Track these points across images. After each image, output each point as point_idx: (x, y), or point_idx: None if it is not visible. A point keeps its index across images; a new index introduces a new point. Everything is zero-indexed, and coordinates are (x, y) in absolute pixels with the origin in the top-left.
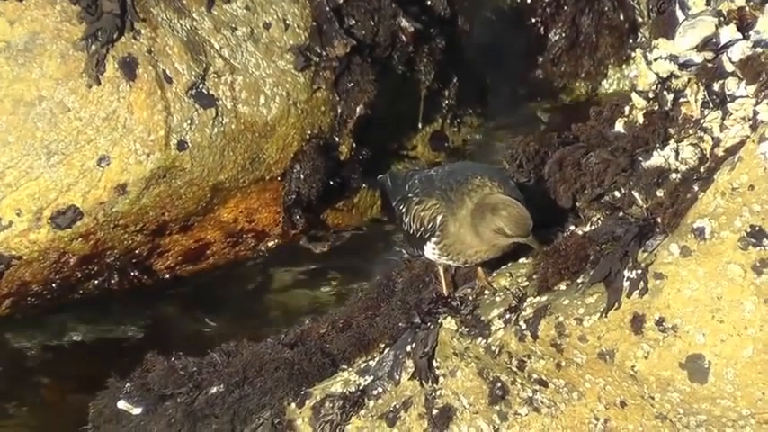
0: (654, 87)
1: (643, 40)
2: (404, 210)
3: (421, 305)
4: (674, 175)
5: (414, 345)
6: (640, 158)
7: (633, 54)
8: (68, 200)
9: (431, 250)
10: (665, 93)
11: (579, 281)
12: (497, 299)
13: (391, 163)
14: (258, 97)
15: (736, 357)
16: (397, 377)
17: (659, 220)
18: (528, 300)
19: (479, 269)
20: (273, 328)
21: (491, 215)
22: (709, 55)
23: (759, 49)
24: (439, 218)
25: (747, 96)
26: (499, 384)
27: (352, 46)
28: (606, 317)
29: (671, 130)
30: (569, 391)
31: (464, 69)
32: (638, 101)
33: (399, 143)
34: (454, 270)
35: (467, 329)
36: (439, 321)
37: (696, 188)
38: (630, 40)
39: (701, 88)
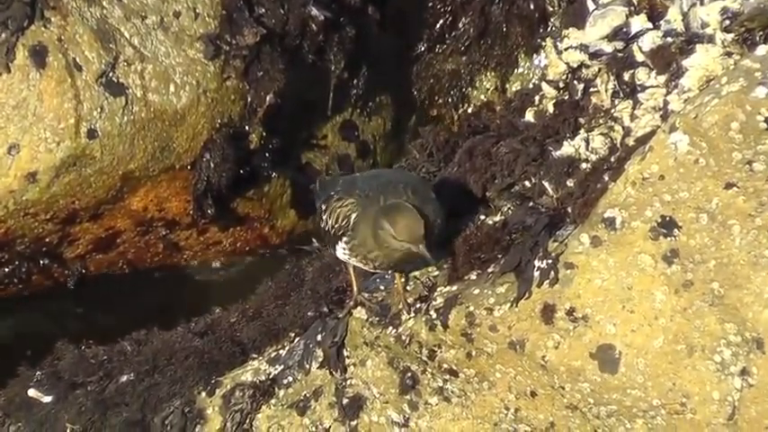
0: (564, 77)
1: (553, 29)
2: (324, 207)
3: (331, 294)
4: (584, 165)
5: (323, 334)
6: (550, 148)
7: (543, 43)
8: None
9: (341, 250)
10: (575, 82)
11: (490, 270)
12: (408, 288)
13: (301, 152)
14: (168, 86)
15: (646, 347)
16: (308, 366)
17: (570, 209)
18: (438, 289)
19: (397, 275)
20: (183, 316)
21: (384, 220)
22: (620, 45)
23: (669, 39)
24: (353, 216)
25: (658, 86)
26: (409, 374)
27: (262, 35)
28: (516, 307)
29: (581, 120)
30: (480, 380)
31: (374, 59)
32: (548, 90)
33: (309, 132)
34: None
35: (377, 319)
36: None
37: (606, 178)
38: (541, 30)
39: (612, 78)
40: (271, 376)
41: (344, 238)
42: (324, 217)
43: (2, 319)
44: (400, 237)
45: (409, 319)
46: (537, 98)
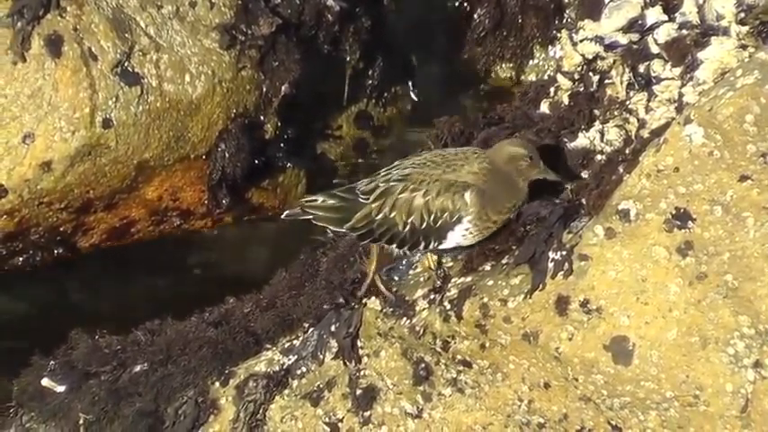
0: (579, 68)
1: (569, 20)
2: (395, 215)
3: (345, 285)
4: (599, 157)
5: (337, 325)
6: (565, 139)
7: (559, 35)
8: None
9: (462, 232)
10: (590, 74)
11: (504, 262)
12: (422, 279)
13: (316, 143)
14: (183, 75)
15: (660, 340)
16: (321, 357)
17: (584, 201)
18: (452, 280)
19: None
20: (197, 306)
21: (514, 150)
22: (635, 36)
23: (684, 31)
24: (467, 194)
25: (673, 78)
26: (423, 365)
27: (277, 25)
28: (531, 298)
29: (596, 112)
30: (493, 372)
31: (389, 49)
32: (563, 82)
33: (324, 122)
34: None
35: (391, 309)
36: (363, 301)
37: (621, 170)
38: (556, 21)
39: (627, 70)
40: (284, 367)
41: (466, 218)
42: (409, 220)
43: (12, 292)
44: (529, 151)
45: (423, 309)
46: (552, 89)
